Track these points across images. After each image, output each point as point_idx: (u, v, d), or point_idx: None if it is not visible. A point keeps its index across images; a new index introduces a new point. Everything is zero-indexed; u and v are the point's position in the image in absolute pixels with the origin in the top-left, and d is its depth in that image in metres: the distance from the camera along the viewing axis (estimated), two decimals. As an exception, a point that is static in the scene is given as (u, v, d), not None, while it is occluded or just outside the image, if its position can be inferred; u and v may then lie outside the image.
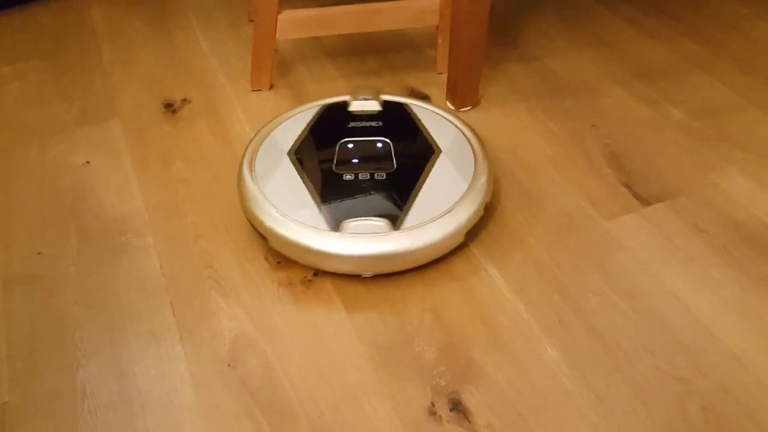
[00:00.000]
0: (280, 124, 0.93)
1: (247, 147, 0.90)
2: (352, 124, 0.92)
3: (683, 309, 0.77)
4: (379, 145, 0.89)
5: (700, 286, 0.79)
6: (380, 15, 1.03)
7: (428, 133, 0.91)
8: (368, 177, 0.84)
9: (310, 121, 0.93)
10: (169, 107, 1.08)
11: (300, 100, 1.10)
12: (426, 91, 1.10)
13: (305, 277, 0.81)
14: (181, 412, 0.68)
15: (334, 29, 1.04)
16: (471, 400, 0.68)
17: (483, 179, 0.84)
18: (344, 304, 0.78)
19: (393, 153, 0.87)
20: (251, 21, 1.29)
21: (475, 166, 0.86)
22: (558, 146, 0.99)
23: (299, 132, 0.91)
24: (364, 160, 0.86)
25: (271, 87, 1.12)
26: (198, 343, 0.74)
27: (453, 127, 0.92)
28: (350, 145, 0.88)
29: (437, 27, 1.08)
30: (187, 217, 0.89)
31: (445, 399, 0.68)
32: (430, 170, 0.85)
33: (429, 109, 0.95)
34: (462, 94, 1.04)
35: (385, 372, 0.71)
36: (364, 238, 0.77)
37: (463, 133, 0.91)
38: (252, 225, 0.83)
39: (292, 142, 0.89)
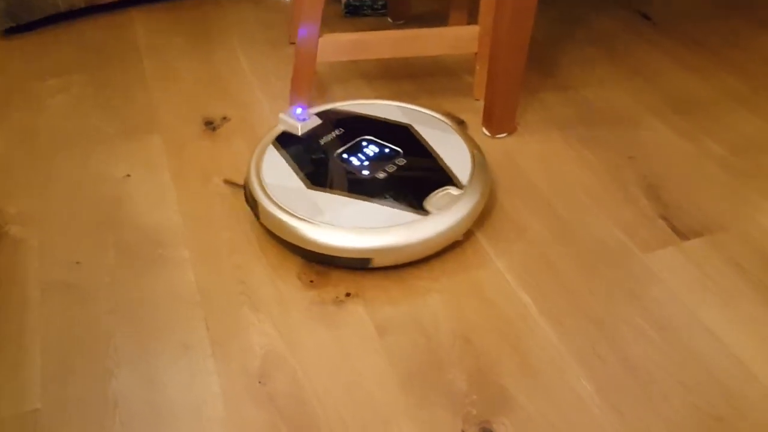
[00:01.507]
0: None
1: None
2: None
3: (720, 345, 0.75)
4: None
5: (738, 322, 0.77)
6: (420, 41, 1.05)
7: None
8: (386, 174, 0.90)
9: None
10: (209, 125, 1.10)
11: (336, 121, 1.11)
12: (462, 116, 1.11)
13: (337, 297, 0.81)
14: (210, 425, 0.68)
15: (373, 53, 1.06)
16: (502, 430, 0.67)
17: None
18: (375, 325, 0.78)
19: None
20: (291, 43, 1.31)
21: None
22: (594, 176, 0.99)
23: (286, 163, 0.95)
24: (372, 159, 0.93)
25: (309, 107, 1.13)
26: (229, 357, 0.75)
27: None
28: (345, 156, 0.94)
29: (475, 54, 1.08)
30: (222, 232, 0.90)
31: (477, 428, 0.68)
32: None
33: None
34: (498, 121, 1.04)
35: (415, 396, 0.71)
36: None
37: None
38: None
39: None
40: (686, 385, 0.71)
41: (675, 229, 0.90)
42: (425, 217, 0.83)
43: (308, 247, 0.82)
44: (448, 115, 1.06)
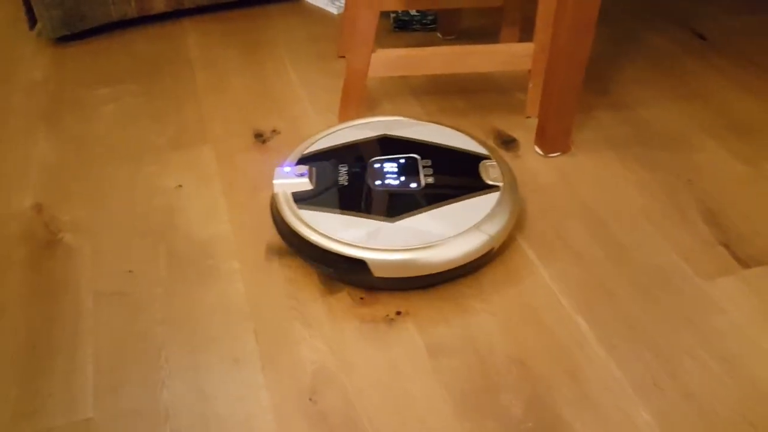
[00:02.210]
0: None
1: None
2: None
3: (787, 380, 0.72)
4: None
5: (806, 357, 0.74)
6: (472, 57, 1.04)
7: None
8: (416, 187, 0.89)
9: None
10: (259, 137, 1.11)
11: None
12: (513, 134, 1.09)
13: (387, 315, 0.80)
14: (261, 443, 0.68)
15: (425, 69, 1.05)
16: (559, 458, 0.65)
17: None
18: (426, 346, 0.77)
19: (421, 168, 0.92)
20: (340, 57, 1.31)
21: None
22: (650, 197, 0.96)
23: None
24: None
25: (358, 121, 1.13)
26: (279, 372, 0.74)
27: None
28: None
29: (529, 71, 1.07)
30: (273, 245, 0.90)
31: (532, 455, 0.66)
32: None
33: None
34: (552, 140, 1.03)
35: (469, 421, 0.69)
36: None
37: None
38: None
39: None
40: (750, 419, 0.68)
41: (735, 257, 0.87)
42: (501, 190, 0.87)
43: (441, 269, 0.80)
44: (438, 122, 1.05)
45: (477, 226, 0.82)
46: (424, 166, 0.91)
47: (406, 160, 0.92)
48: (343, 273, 0.82)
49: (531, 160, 1.04)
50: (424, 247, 0.79)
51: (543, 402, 0.70)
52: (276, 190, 0.88)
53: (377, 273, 0.80)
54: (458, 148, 0.94)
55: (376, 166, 0.91)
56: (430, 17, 1.38)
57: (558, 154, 1.04)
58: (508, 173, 0.90)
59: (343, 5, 1.50)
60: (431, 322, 0.79)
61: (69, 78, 1.28)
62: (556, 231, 0.92)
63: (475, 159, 0.92)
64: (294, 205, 0.85)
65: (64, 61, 1.33)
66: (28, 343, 0.78)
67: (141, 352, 0.77)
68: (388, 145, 0.95)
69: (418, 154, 0.93)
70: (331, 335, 0.78)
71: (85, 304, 0.82)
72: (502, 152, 1.06)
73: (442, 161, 0.92)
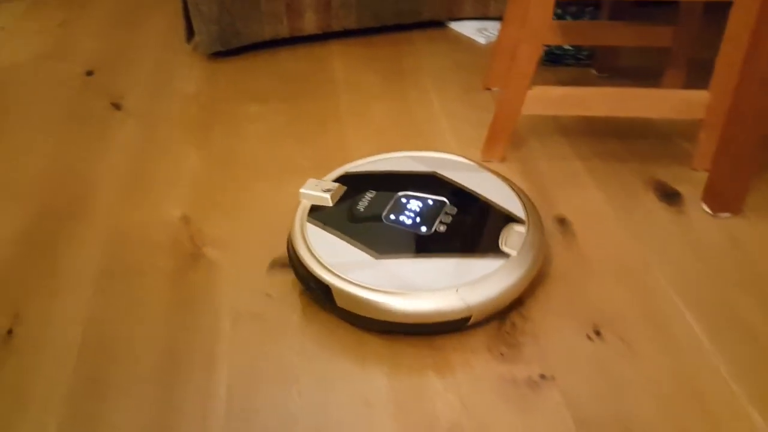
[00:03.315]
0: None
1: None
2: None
3: None
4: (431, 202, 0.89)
5: None
6: (639, 101, 0.96)
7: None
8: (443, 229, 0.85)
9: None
10: (402, 166, 1.09)
11: (530, 176, 1.05)
12: (677, 187, 1.00)
13: (530, 377, 0.74)
14: (390, 500, 0.64)
15: (584, 110, 0.99)
16: None
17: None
18: (574, 419, 0.70)
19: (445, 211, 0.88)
20: (486, 89, 1.27)
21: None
22: (840, 276, 0.85)
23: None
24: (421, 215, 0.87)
25: (503, 159, 1.08)
26: (412, 423, 0.70)
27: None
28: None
29: (701, 120, 0.98)
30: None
31: None
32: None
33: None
34: (723, 198, 0.93)
35: None
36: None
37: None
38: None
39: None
40: None
41: None
42: (508, 259, 0.80)
43: (399, 320, 0.77)
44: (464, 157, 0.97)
45: (456, 288, 0.76)
46: (445, 213, 0.86)
47: (433, 203, 0.88)
48: (314, 293, 0.83)
49: (696, 218, 0.94)
50: (389, 292, 0.76)
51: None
52: (301, 198, 0.90)
53: (339, 303, 0.79)
54: (496, 204, 0.88)
55: (403, 200, 0.88)
56: (584, 52, 1.31)
57: (729, 215, 0.94)
58: (533, 244, 0.83)
59: (491, 35, 1.46)
60: (579, 391, 0.72)
61: (220, 93, 1.32)
62: (724, 301, 0.82)
63: (506, 219, 0.86)
64: (305, 217, 0.88)
65: (216, 76, 1.38)
66: (165, 354, 0.78)
67: (274, 381, 0.75)
68: (431, 183, 0.92)
69: (451, 200, 0.88)
70: (468, 392, 0.73)
71: (222, 324, 0.82)
72: (663, 206, 0.97)
73: (468, 213, 0.87)
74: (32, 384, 0.75)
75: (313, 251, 0.83)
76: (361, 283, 0.78)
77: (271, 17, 1.43)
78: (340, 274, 0.79)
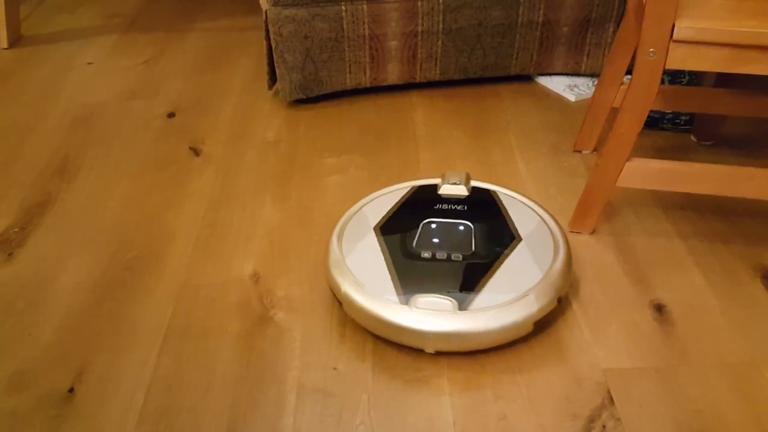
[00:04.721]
0: (372, 200, 0.99)
1: (340, 219, 0.96)
2: (438, 206, 0.96)
3: None
4: (461, 227, 0.91)
5: None
6: (753, 182, 0.87)
7: (511, 220, 0.93)
8: (445, 257, 0.86)
9: (400, 200, 0.98)
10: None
11: (624, 251, 0.97)
12: (792, 278, 0.90)
13: (592, 421, 0.66)
14: None
15: (688, 187, 0.90)
16: None
17: (558, 270, 0.84)
18: None
19: (473, 236, 0.90)
20: (576, 151, 1.20)
21: (554, 257, 0.86)
22: None
23: (388, 209, 0.97)
24: (444, 241, 0.89)
25: (593, 231, 1.01)
26: None
27: (537, 216, 0.94)
28: (433, 226, 0.92)
29: (824, 205, 0.88)
30: (487, 358, 0.80)
31: None
32: (507, 256, 0.86)
33: (515, 198, 0.98)
34: None
35: None
36: (429, 314, 0.79)
37: (547, 224, 0.92)
38: (330, 289, 0.88)
39: (380, 218, 0.95)
40: None
41: None
42: None
43: None
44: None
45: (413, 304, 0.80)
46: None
47: (463, 228, 0.91)
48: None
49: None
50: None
51: None
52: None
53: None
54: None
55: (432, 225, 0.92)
56: (684, 117, 1.23)
57: None
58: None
59: (582, 92, 1.39)
60: None
61: (299, 142, 1.30)
62: None
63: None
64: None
65: (297, 124, 1.37)
66: (229, 427, 0.74)
67: (338, 470, 0.70)
68: (493, 216, 0.94)
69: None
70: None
71: (288, 397, 0.78)
72: (776, 298, 0.87)
73: (478, 266, 0.86)
74: (91, 449, 0.73)
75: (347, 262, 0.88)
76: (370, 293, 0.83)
77: (355, 67, 1.41)
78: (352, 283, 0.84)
